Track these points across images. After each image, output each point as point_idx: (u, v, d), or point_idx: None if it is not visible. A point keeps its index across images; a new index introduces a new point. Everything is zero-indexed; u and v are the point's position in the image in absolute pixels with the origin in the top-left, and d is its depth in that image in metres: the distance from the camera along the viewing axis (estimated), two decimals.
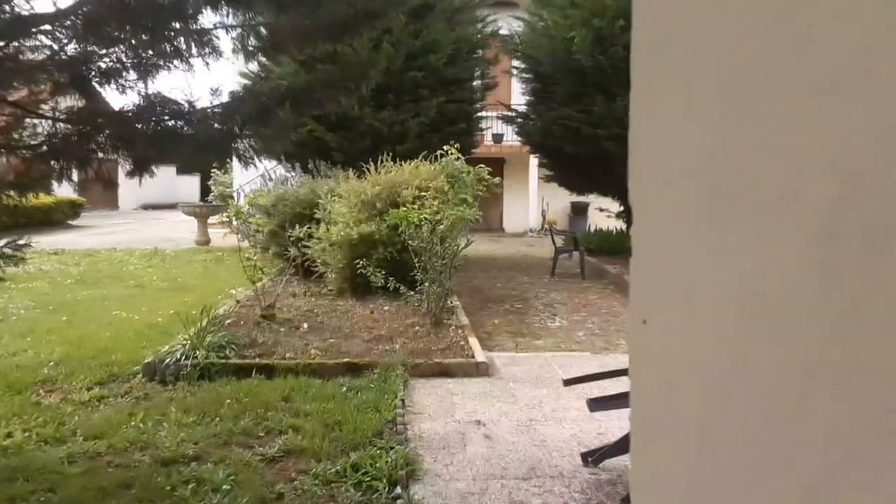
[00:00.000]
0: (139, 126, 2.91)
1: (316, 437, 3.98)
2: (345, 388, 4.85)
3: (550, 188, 15.26)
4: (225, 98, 3.22)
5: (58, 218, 19.37)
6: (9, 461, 3.60)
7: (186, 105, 3.13)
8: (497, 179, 8.55)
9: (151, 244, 14.51)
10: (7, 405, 4.45)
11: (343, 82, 3.63)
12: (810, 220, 0.39)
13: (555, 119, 11.38)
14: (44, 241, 14.61)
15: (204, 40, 4.08)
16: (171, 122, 3.01)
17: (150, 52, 3.66)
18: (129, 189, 26.16)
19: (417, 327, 6.56)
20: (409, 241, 6.99)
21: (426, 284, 6.76)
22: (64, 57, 3.62)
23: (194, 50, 4.04)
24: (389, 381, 4.95)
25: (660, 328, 0.48)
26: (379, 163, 8.88)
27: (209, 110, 3.17)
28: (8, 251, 2.98)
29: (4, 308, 7.59)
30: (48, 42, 3.83)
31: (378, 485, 3.43)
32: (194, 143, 2.95)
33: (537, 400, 4.84)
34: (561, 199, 17.26)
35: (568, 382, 4.14)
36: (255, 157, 3.37)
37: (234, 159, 4.77)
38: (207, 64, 3.29)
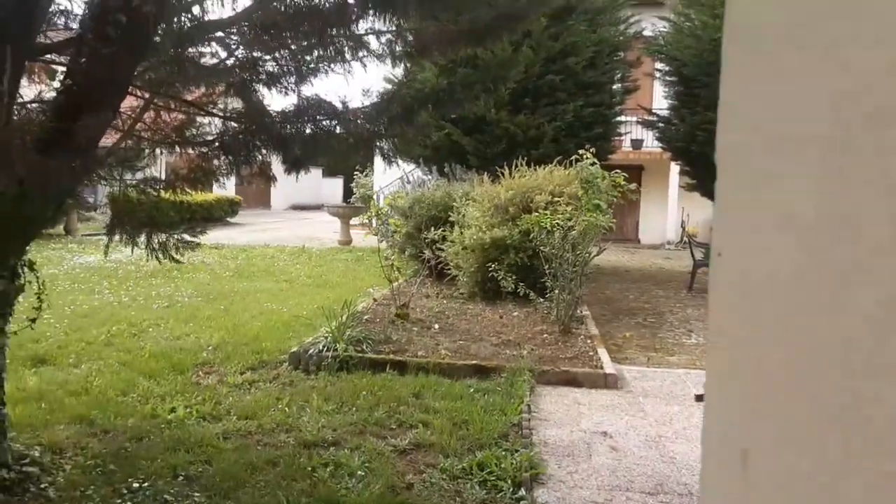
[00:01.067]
0: (297, 126, 3.16)
1: (444, 434, 4.09)
2: (472, 389, 4.94)
3: (691, 198, 14.58)
4: (374, 99, 3.42)
5: (218, 215, 21.13)
6: (172, 433, 4.02)
7: (340, 105, 3.36)
8: (633, 185, 8.31)
9: (299, 242, 15.48)
10: (171, 384, 4.96)
11: (482, 84, 3.72)
12: None
13: (699, 124, 10.89)
14: (205, 236, 16.05)
15: (357, 45, 4.34)
16: (325, 122, 3.24)
17: (309, 57, 3.96)
18: (280, 190, 28.13)
19: (546, 334, 6.53)
20: (541, 247, 6.98)
21: (556, 292, 6.72)
22: (234, 61, 4.00)
23: (348, 55, 4.31)
24: (516, 385, 4.98)
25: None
26: (513, 167, 8.94)
27: (359, 111, 3.38)
28: (187, 237, 3.34)
29: (172, 295, 8.44)
30: (218, 48, 4.25)
31: (503, 485, 3.47)
32: (345, 141, 3.16)
33: (668, 416, 4.66)
34: (702, 210, 16.43)
35: (700, 398, 3.96)
36: (397, 157, 3.54)
37: (376, 162, 5.02)
38: (365, 66, 3.50)
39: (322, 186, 32.61)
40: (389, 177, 14.72)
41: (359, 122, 3.27)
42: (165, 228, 3.49)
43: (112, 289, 8.78)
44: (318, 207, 26.38)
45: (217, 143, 3.24)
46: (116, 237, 3.15)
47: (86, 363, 5.33)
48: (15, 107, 3.32)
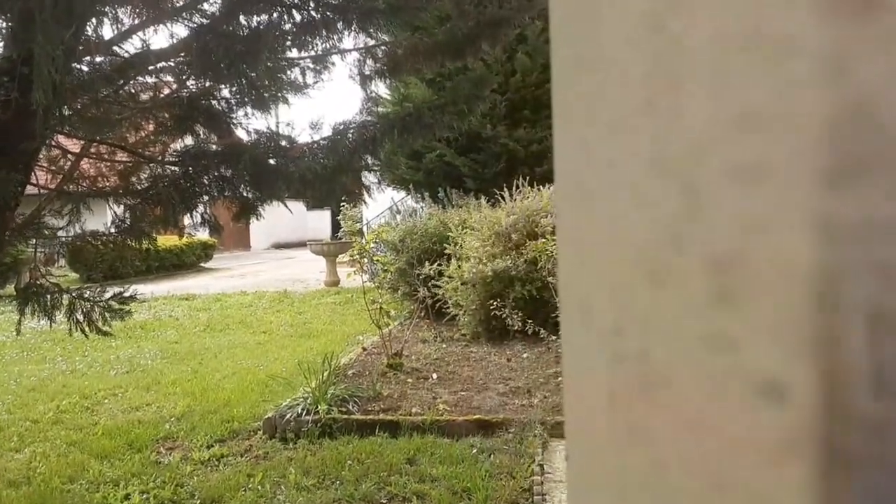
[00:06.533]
0: (240, 166, 3.10)
1: None
2: (475, 450, 4.80)
3: None
4: (326, 132, 3.37)
5: (190, 261, 21.15)
6: None
7: (286, 143, 3.31)
8: None
9: (281, 286, 15.40)
10: (127, 465, 4.83)
11: (453, 106, 3.66)
12: None
13: None
14: (175, 286, 16.00)
15: (319, 68, 4.31)
16: (272, 161, 3.18)
17: (264, 86, 3.93)
18: (261, 228, 28.23)
19: (560, 378, 6.38)
20: (550, 278, 6.87)
21: None
22: (185, 94, 3.96)
23: (310, 79, 4.27)
24: (526, 442, 4.84)
25: None
26: (514, 188, 8.87)
27: (313, 145, 3.32)
28: (114, 304, 3.25)
29: (132, 359, 8.33)
30: (170, 79, 4.23)
31: None
32: (299, 180, 3.09)
33: None
34: None
35: None
36: (365, 193, 3.47)
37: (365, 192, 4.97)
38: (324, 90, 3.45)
39: (307, 221, 32.67)
40: (381, 206, 14.69)
41: (314, 157, 3.20)
42: (128, 279, 3.44)
43: (66, 355, 8.69)
44: (303, 245, 26.40)
45: (152, 192, 3.17)
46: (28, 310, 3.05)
47: (29, 446, 5.22)
48: None
